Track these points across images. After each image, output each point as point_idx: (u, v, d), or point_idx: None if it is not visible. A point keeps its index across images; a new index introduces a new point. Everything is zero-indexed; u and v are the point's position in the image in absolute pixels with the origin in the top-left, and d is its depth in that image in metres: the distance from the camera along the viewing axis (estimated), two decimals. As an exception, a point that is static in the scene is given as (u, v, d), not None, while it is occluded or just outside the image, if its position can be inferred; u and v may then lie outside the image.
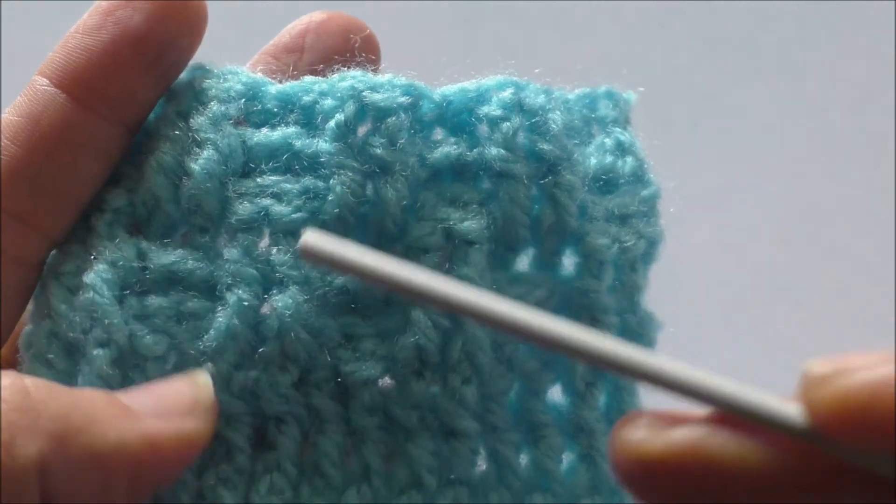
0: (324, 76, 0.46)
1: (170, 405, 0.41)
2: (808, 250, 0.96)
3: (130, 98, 0.44)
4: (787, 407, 0.31)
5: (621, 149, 0.48)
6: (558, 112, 0.46)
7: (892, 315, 0.91)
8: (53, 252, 0.45)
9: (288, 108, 0.45)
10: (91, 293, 0.43)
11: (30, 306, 0.45)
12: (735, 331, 0.92)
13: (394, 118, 0.44)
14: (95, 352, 0.43)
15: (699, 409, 0.32)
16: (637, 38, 0.98)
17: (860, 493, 0.31)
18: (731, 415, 0.32)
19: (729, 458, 0.31)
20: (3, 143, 0.43)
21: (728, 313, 0.92)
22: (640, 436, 0.32)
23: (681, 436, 0.32)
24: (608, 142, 0.48)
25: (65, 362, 0.44)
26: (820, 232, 0.96)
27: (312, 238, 0.36)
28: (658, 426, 0.32)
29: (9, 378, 0.38)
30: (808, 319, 0.94)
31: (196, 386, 0.42)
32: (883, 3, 0.99)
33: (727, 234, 0.93)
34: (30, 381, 0.38)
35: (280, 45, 0.50)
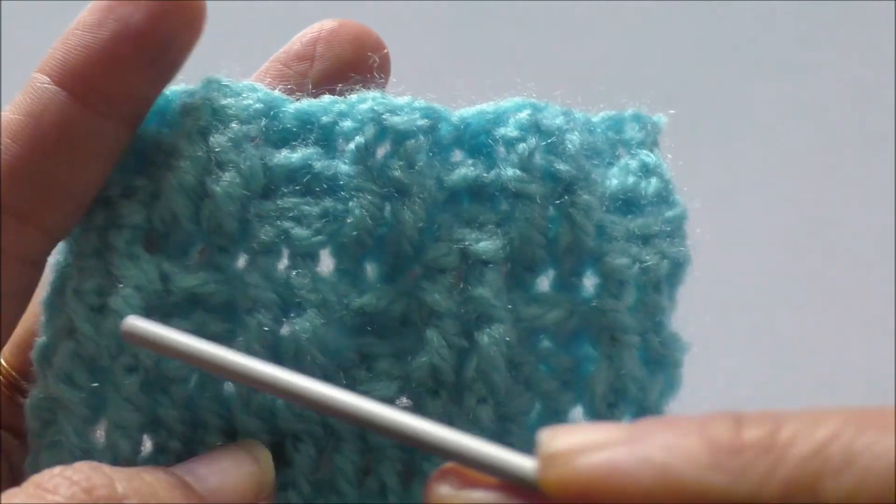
0: (334, 91, 0.47)
1: (238, 490, 0.42)
2: (809, 250, 0.96)
3: (130, 95, 0.44)
4: (525, 463, 0.34)
5: (645, 170, 0.48)
6: (576, 133, 0.46)
7: (892, 315, 0.91)
8: (64, 263, 0.45)
9: (306, 128, 0.46)
10: (118, 319, 0.43)
11: (40, 315, 0.45)
12: (735, 331, 0.92)
13: (413, 141, 0.44)
14: (124, 378, 0.43)
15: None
16: (637, 38, 0.98)
17: None
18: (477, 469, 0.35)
19: None
20: (3, 142, 0.43)
21: (728, 313, 0.92)
22: (444, 491, 0.35)
23: (475, 497, 0.35)
24: (632, 163, 0.48)
25: (90, 383, 0.44)
26: (820, 232, 0.96)
27: (133, 322, 0.40)
28: (461, 485, 0.35)
29: (87, 465, 0.38)
30: (809, 319, 0.94)
31: (259, 468, 0.43)
32: (883, 3, 0.99)
33: (727, 233, 0.93)
34: (109, 471, 0.38)
35: (291, 52, 0.50)
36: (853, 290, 0.95)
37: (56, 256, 0.46)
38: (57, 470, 0.38)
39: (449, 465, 0.36)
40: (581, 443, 0.32)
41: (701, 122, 0.97)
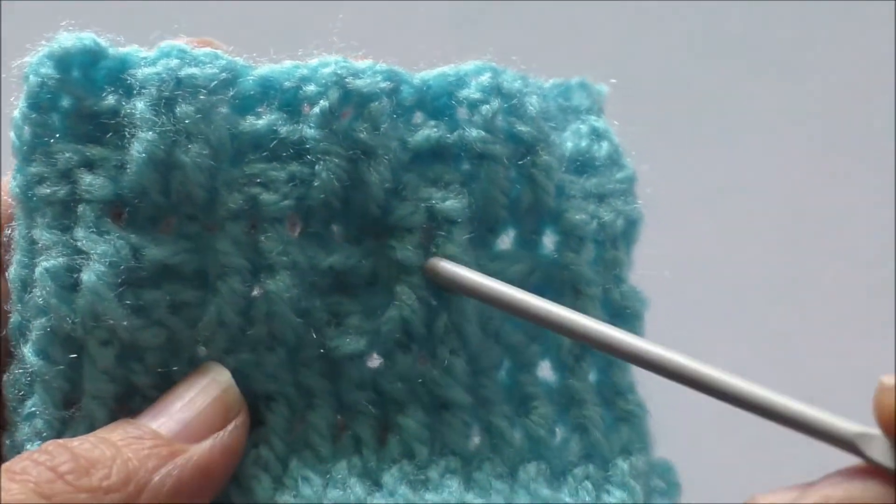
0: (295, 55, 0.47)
1: (205, 420, 0.43)
2: (808, 250, 0.96)
3: None
4: (841, 421, 0.35)
5: (596, 134, 0.50)
6: (535, 96, 0.47)
7: (892, 315, 0.91)
8: (27, 237, 0.45)
9: (270, 94, 0.46)
10: (93, 296, 0.43)
11: (10, 292, 0.45)
12: (735, 331, 0.92)
13: (376, 103, 0.45)
14: (100, 350, 0.44)
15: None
16: (637, 38, 0.98)
17: None
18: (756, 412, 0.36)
19: None
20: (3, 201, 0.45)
21: (728, 313, 0.92)
22: None
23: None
24: (583, 128, 0.50)
25: (64, 357, 0.44)
26: (820, 232, 0.96)
27: (441, 264, 0.44)
28: None
29: (51, 444, 0.40)
30: (809, 319, 0.94)
31: (222, 389, 0.44)
32: (883, 3, 0.99)
33: (727, 233, 0.93)
34: (75, 445, 0.40)
35: None
36: (853, 290, 0.95)
37: (15, 230, 0.46)
38: (24, 454, 0.40)
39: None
40: None
41: (700, 121, 0.97)
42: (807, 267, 0.96)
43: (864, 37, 1.00)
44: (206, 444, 0.42)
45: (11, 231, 0.46)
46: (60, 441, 0.41)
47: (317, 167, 0.45)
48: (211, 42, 0.49)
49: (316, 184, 0.45)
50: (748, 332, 0.93)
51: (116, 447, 0.41)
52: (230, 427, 0.43)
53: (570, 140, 0.49)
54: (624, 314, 0.48)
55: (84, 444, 0.41)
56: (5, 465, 0.40)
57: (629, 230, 0.49)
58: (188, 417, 0.43)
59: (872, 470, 0.35)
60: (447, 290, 0.45)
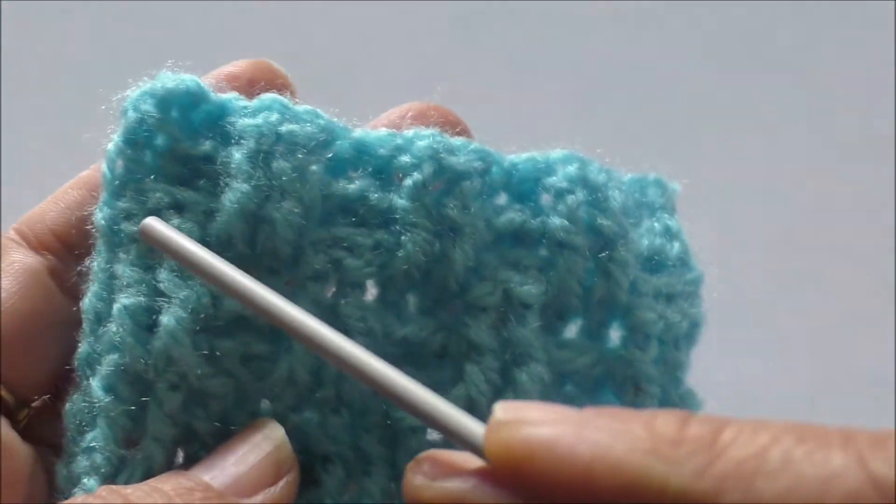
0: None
1: (257, 476, 0.43)
2: (809, 250, 0.96)
3: None
4: (477, 428, 0.35)
5: (669, 234, 0.50)
6: (618, 191, 0.48)
7: (892, 315, 0.91)
8: (106, 270, 0.45)
9: (363, 159, 0.46)
10: (171, 340, 0.43)
11: (83, 321, 0.46)
12: (735, 331, 0.92)
13: (469, 182, 0.45)
14: (168, 394, 0.44)
15: (475, 460, 0.36)
16: (637, 38, 0.98)
17: None
18: (429, 425, 0.37)
19: None
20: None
21: (728, 313, 0.92)
22: (418, 481, 0.36)
23: (449, 486, 0.35)
24: (657, 226, 0.50)
25: (132, 396, 0.44)
26: (820, 232, 0.96)
27: (152, 223, 0.42)
28: (435, 473, 0.35)
29: (105, 490, 0.40)
30: (809, 319, 0.94)
31: (275, 446, 0.44)
32: (883, 3, 0.99)
33: (727, 233, 0.93)
34: (129, 492, 0.40)
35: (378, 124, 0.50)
36: (853, 290, 0.95)
37: (95, 261, 0.46)
38: (79, 497, 0.41)
39: (424, 453, 0.36)
40: (531, 416, 0.34)
41: (700, 121, 0.97)
42: (807, 267, 0.96)
43: (864, 37, 1.00)
44: (256, 500, 0.42)
45: (91, 261, 0.46)
46: (115, 487, 0.41)
47: (403, 237, 0.45)
48: (269, 64, 0.49)
49: (400, 254, 0.45)
50: (748, 332, 0.93)
51: (169, 496, 0.41)
52: (281, 483, 0.43)
53: (645, 237, 0.50)
54: None
55: (137, 492, 0.41)
56: None
57: (692, 332, 0.50)
58: (240, 472, 0.43)
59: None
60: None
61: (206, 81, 0.48)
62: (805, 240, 0.97)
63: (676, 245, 0.50)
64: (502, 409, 0.34)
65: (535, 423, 0.33)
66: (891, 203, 0.96)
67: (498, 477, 0.34)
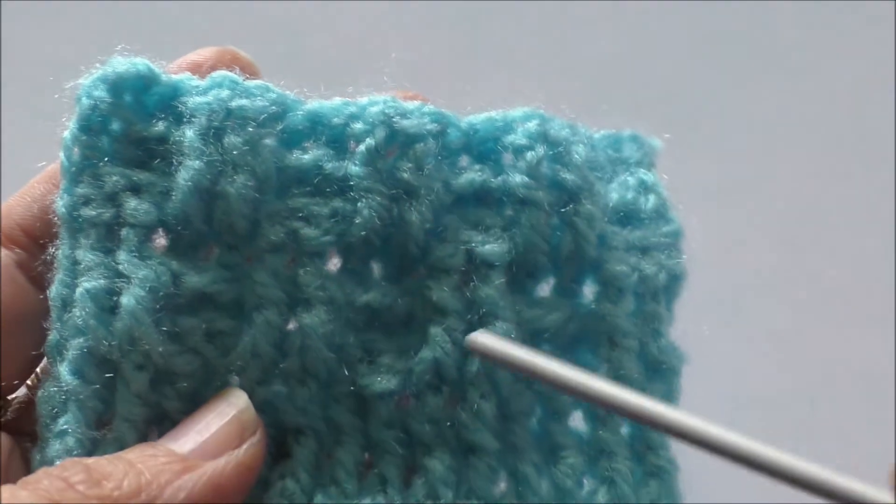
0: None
1: (221, 439, 0.43)
2: (808, 250, 0.96)
3: None
4: (883, 494, 0.33)
5: (644, 187, 0.49)
6: (581, 145, 0.47)
7: (892, 315, 0.91)
8: (69, 257, 0.46)
9: (317, 129, 0.46)
10: (132, 320, 0.44)
11: (51, 309, 0.46)
12: (735, 331, 0.92)
13: (422, 144, 0.45)
14: (134, 374, 0.44)
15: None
16: (637, 38, 0.98)
17: None
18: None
19: None
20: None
21: (728, 313, 0.92)
22: None
23: None
24: (631, 180, 0.50)
25: (100, 378, 0.45)
26: (820, 232, 0.96)
27: (482, 338, 0.43)
28: None
29: (68, 461, 0.41)
30: (808, 319, 0.94)
31: (238, 410, 0.44)
32: (883, 3, 0.99)
33: (727, 234, 0.93)
34: (90, 462, 0.41)
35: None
36: (853, 290, 0.95)
37: (59, 248, 0.46)
38: (41, 469, 0.41)
39: None
40: None
41: (700, 121, 0.97)
42: (807, 267, 0.96)
43: (864, 37, 1.00)
44: (220, 462, 0.43)
45: (55, 250, 0.46)
46: (76, 458, 0.42)
47: (359, 204, 0.45)
48: (234, 51, 0.49)
49: (357, 221, 0.45)
50: (748, 332, 0.93)
51: (130, 463, 0.41)
52: (245, 446, 0.44)
53: (616, 191, 0.49)
54: (660, 369, 0.48)
55: (99, 461, 0.41)
56: (23, 479, 0.40)
57: (671, 285, 0.49)
58: (204, 438, 0.43)
59: None
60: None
61: (170, 70, 0.48)
62: (805, 240, 0.97)
63: (652, 198, 0.49)
64: None
65: None
66: (891, 203, 0.96)
67: None
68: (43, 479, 0.40)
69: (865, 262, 0.96)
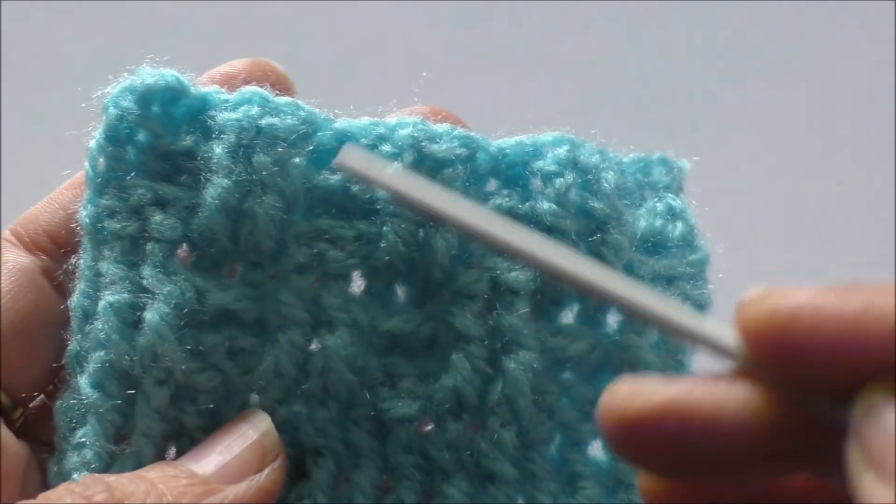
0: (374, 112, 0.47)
1: (243, 463, 0.43)
2: (808, 250, 0.96)
3: None
4: (724, 330, 0.31)
5: (672, 213, 0.49)
6: (611, 172, 0.46)
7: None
8: (92, 268, 0.45)
9: None
10: (156, 336, 0.43)
11: (72, 319, 0.46)
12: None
13: (450, 170, 0.45)
14: (155, 389, 0.44)
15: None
16: (637, 38, 0.98)
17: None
18: (665, 330, 0.32)
19: (706, 409, 0.31)
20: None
21: (728, 313, 0.92)
22: (620, 397, 0.32)
23: (659, 391, 0.31)
24: (659, 206, 0.49)
25: (121, 392, 0.44)
26: (820, 232, 0.96)
27: (349, 154, 0.35)
28: (639, 387, 0.32)
29: (89, 477, 0.41)
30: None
31: (261, 433, 0.44)
32: (883, 3, 0.99)
33: (727, 234, 0.93)
34: (112, 480, 0.40)
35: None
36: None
37: (81, 259, 0.46)
38: (62, 485, 0.41)
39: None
40: (786, 289, 0.30)
41: (700, 122, 0.97)
42: (807, 267, 0.96)
43: (864, 37, 1.00)
44: (241, 486, 0.42)
45: (77, 259, 0.46)
46: (98, 475, 0.42)
47: (384, 228, 0.44)
48: (267, 63, 0.48)
49: (382, 245, 0.45)
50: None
51: (152, 483, 0.41)
52: (266, 471, 0.43)
53: (644, 218, 0.48)
54: None
55: (121, 479, 0.41)
56: (43, 494, 0.40)
57: None
58: (225, 460, 0.43)
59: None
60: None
61: (202, 81, 0.47)
62: (805, 239, 0.97)
63: (679, 225, 0.49)
64: (753, 289, 0.31)
65: (793, 292, 0.30)
66: (891, 203, 0.96)
67: (756, 351, 0.30)
68: (65, 496, 0.40)
69: (866, 262, 0.96)
